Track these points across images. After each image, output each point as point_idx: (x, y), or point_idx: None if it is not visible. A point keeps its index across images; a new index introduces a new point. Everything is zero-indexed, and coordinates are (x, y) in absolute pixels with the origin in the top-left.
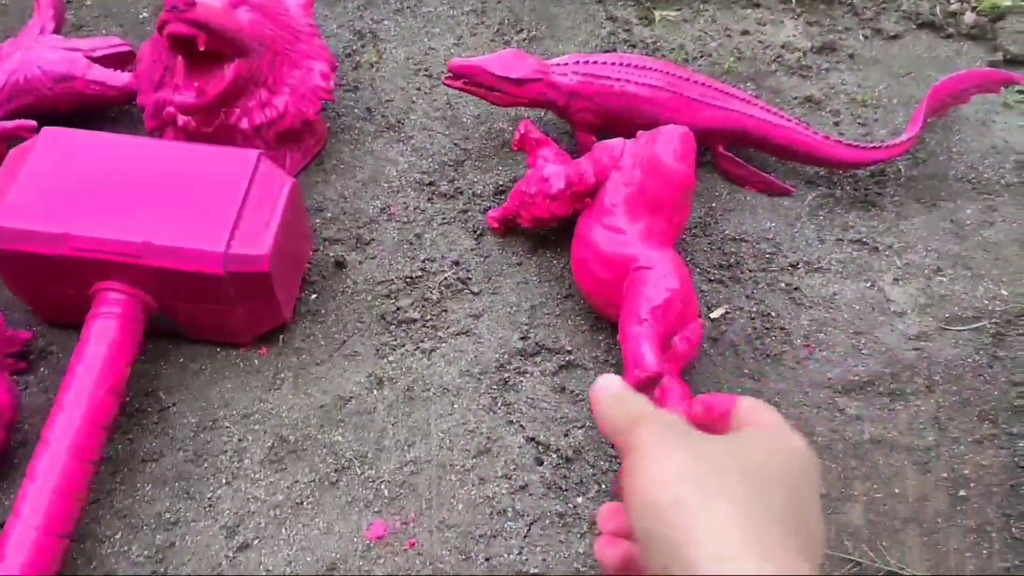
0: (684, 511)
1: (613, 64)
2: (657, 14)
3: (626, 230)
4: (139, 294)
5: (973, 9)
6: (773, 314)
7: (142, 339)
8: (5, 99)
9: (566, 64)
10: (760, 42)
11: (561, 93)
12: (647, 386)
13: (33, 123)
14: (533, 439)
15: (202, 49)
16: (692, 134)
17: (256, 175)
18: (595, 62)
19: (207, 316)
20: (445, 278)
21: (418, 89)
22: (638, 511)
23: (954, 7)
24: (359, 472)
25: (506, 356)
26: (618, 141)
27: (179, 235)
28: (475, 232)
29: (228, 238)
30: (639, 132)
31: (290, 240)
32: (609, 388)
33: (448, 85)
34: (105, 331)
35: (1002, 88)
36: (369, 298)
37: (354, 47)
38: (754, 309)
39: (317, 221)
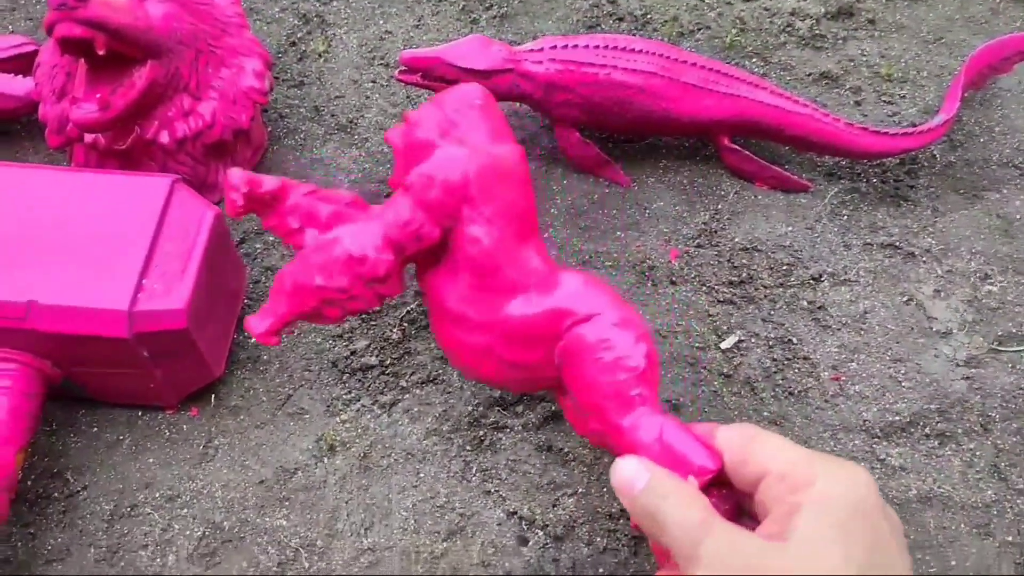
0: None
1: (596, 48)
2: None
3: (529, 279)
4: (34, 362)
5: None
6: (795, 340)
7: (40, 413)
8: None
9: (540, 50)
10: (766, 9)
11: (537, 85)
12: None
13: None
14: (515, 513)
15: (102, 53)
16: (485, 92)
17: (169, 208)
18: (575, 46)
19: (121, 381)
20: (408, 311)
21: (373, 82)
22: None
23: None
24: (307, 565)
25: (481, 408)
26: (443, 158)
27: (73, 291)
28: None
29: (134, 291)
30: (410, 115)
31: (217, 280)
32: (637, 479)
33: (402, 80)
34: None
35: None
36: (319, 340)
37: (299, 34)
38: (772, 335)
39: (258, 246)
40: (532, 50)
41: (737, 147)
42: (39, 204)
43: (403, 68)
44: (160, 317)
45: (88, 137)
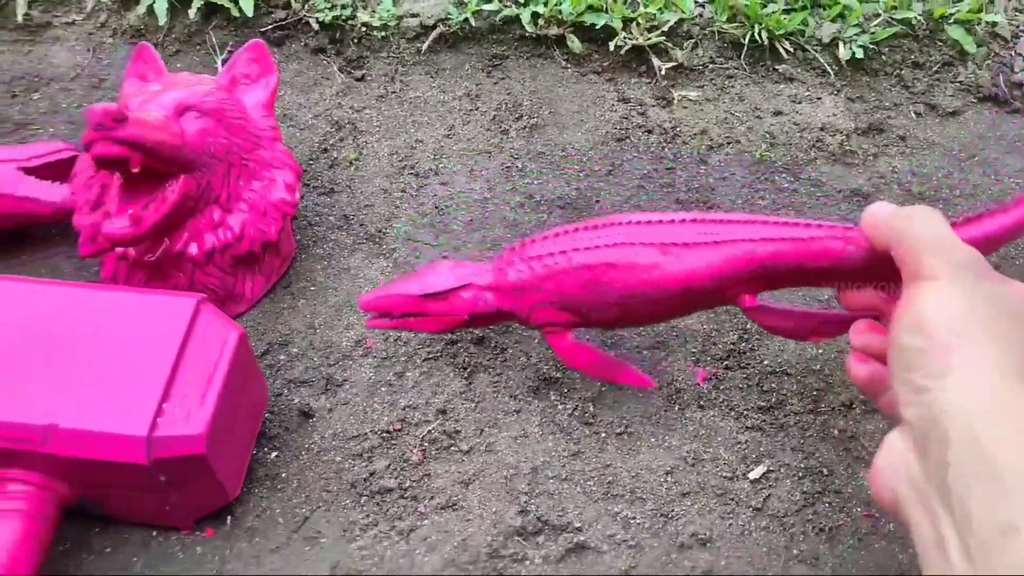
0: (953, 336)
1: (553, 236)
2: (676, 94)
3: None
4: (49, 484)
5: None
6: (825, 471)
7: (53, 536)
8: None
9: (502, 257)
10: (796, 124)
11: (504, 294)
12: None
13: None
14: None
15: (136, 171)
16: None
17: (194, 329)
18: (532, 241)
19: (136, 502)
20: (429, 431)
21: (403, 191)
22: (906, 324)
23: (1020, 76)
24: None
25: (501, 538)
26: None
27: (93, 415)
28: (465, 369)
29: (153, 416)
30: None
31: (237, 401)
32: (885, 207)
33: (376, 327)
34: (3, 534)
35: None
36: (338, 458)
37: (331, 141)
38: (802, 465)
39: (282, 358)
40: (494, 260)
41: (767, 305)
42: (69, 322)
43: (372, 314)
44: (179, 443)
45: (119, 248)
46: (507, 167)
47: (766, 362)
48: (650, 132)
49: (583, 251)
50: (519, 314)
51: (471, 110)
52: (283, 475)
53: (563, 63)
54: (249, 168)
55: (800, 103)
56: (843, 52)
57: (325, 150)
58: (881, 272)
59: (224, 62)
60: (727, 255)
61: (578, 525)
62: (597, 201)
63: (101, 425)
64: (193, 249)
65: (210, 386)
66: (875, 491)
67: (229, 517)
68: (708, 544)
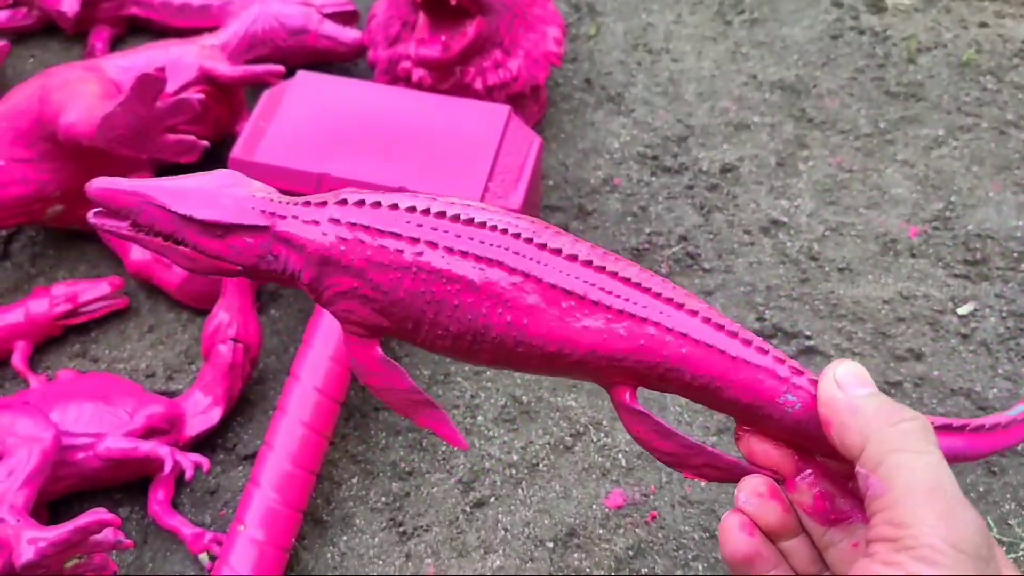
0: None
1: (412, 210)
2: (888, 1)
3: None
4: None
5: None
6: None
7: None
8: (245, 48)
9: (323, 204)
10: (1000, 36)
11: (305, 259)
12: None
13: (281, 68)
14: None
15: (454, 3)
16: None
17: (507, 130)
18: (376, 203)
19: None
20: (673, 252)
21: (638, 64)
22: (942, 550)
23: None
24: (594, 439)
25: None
26: None
27: (435, 182)
28: (702, 208)
29: (482, 191)
30: None
31: (532, 198)
32: (857, 380)
33: (101, 225)
34: None
35: None
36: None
37: (571, 19)
38: (1005, 308)
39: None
40: (311, 203)
41: (649, 413)
42: (407, 113)
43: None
44: None
45: (415, 77)
46: (732, 52)
47: (970, 228)
48: (862, 33)
49: (442, 252)
50: (317, 294)
51: (697, 3)
52: None
53: None
54: (527, 20)
55: (1004, 19)
56: None
57: (566, 26)
58: (814, 443)
59: None
60: (627, 333)
61: (808, 334)
62: (814, 86)
63: (443, 190)
64: (478, 83)
65: (521, 175)
66: None
67: None
68: (922, 359)
